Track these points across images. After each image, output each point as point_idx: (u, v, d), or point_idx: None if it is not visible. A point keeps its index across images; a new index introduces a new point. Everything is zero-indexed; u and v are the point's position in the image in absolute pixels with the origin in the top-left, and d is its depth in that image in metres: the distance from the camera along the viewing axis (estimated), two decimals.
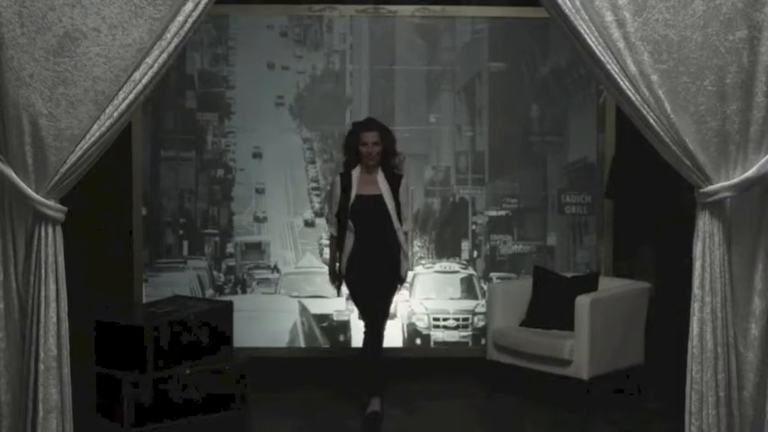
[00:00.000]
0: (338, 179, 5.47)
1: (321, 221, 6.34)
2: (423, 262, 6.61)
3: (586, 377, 5.43)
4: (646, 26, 3.67)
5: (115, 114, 3.63)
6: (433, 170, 6.50)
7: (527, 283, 6.13)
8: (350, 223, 5.38)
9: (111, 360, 5.02)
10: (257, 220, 6.48)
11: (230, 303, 5.63)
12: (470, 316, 6.56)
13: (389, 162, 5.45)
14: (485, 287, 6.47)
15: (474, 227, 6.54)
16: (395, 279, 5.46)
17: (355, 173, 5.42)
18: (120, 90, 3.62)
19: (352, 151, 5.44)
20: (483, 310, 6.43)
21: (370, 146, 5.35)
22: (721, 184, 3.72)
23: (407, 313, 6.54)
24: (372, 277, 5.40)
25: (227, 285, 6.46)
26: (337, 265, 5.55)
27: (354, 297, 5.56)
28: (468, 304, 6.55)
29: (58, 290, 3.68)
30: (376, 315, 5.44)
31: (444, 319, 6.60)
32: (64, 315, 3.71)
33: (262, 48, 6.42)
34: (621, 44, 3.66)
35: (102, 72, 3.60)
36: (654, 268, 6.29)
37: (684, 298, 3.92)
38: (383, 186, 5.39)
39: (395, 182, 5.44)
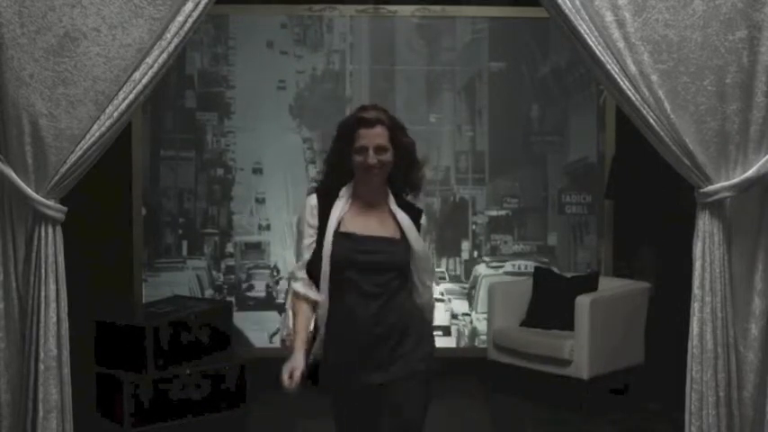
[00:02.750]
0: (314, 202, 3.18)
1: None
2: (487, 259, 6.41)
3: (586, 377, 5.43)
4: (646, 26, 3.66)
5: (115, 114, 3.62)
6: (434, 170, 6.50)
7: (527, 283, 6.13)
8: (331, 285, 3.12)
9: (111, 360, 5.03)
10: (261, 228, 6.48)
11: (230, 303, 5.63)
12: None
13: (405, 180, 3.22)
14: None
15: (474, 227, 6.54)
16: (422, 380, 3.20)
17: (343, 197, 3.19)
18: (120, 90, 3.62)
19: (339, 161, 3.19)
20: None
21: (370, 153, 3.09)
22: (721, 184, 3.71)
23: (468, 332, 6.39)
24: (374, 385, 3.15)
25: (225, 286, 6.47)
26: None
27: (338, 415, 3.38)
28: None
29: (58, 290, 3.67)
30: None
31: None
32: (64, 315, 3.70)
33: (261, 47, 6.42)
34: (621, 44, 3.66)
35: (102, 72, 3.60)
36: (654, 268, 6.30)
37: (684, 298, 3.91)
38: (405, 221, 3.17)
39: (415, 220, 3.20)
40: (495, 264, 6.43)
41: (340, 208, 3.16)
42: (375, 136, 3.10)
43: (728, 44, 3.67)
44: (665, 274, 6.13)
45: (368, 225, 3.16)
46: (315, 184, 3.26)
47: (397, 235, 3.16)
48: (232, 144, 6.47)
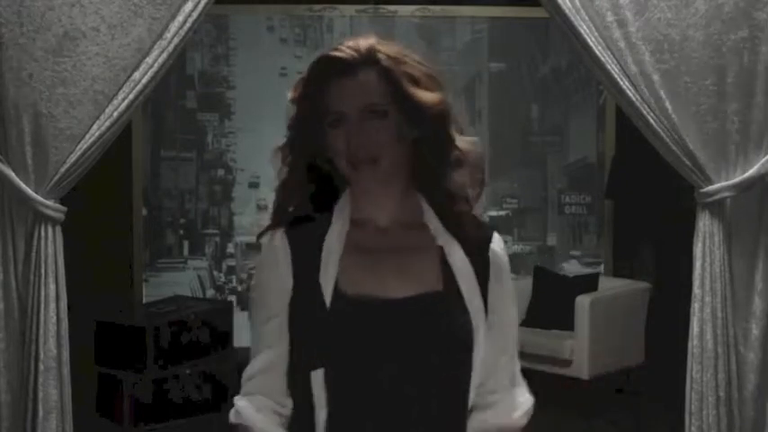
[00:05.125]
0: (280, 242, 1.65)
1: None
2: (576, 253, 6.39)
3: (586, 377, 5.42)
4: (647, 26, 3.66)
5: (115, 114, 3.62)
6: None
7: (527, 283, 6.13)
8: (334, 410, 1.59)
9: (111, 360, 5.02)
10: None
11: (231, 303, 5.62)
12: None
13: (432, 176, 1.66)
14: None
15: None
16: None
17: (337, 222, 1.65)
18: (119, 90, 3.61)
19: (306, 151, 1.66)
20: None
21: (352, 125, 1.60)
22: (721, 183, 3.71)
23: None
24: None
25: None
26: None
27: None
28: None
29: (58, 290, 3.67)
30: None
31: None
32: (64, 315, 3.70)
33: (262, 47, 6.42)
34: (622, 44, 3.65)
35: (101, 72, 3.59)
36: (654, 268, 6.30)
37: (684, 298, 3.91)
38: (456, 257, 1.66)
39: (479, 251, 1.70)
40: (589, 260, 6.35)
41: (334, 248, 1.64)
42: (360, 89, 1.62)
43: (730, 44, 3.66)
44: (665, 273, 6.12)
45: (385, 276, 1.65)
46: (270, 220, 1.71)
47: (440, 285, 1.66)
48: (233, 145, 6.47)
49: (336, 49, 1.63)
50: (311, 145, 1.64)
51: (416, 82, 1.62)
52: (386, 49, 1.63)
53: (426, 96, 1.61)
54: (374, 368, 1.58)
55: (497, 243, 1.74)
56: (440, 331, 1.62)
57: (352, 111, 1.60)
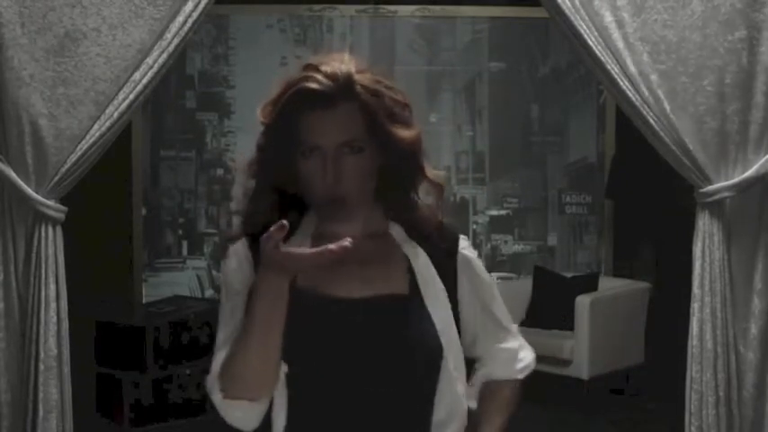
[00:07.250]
0: (242, 251, 1.70)
1: None
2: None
3: (586, 377, 5.43)
4: (644, 26, 3.66)
5: (115, 115, 3.62)
6: (434, 170, 6.49)
7: (527, 283, 6.13)
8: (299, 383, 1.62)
9: (111, 360, 5.03)
10: None
11: None
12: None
13: (396, 202, 1.73)
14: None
15: (474, 226, 6.54)
16: None
17: (299, 234, 1.68)
18: (120, 90, 3.61)
19: (274, 174, 1.71)
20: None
21: (328, 162, 1.59)
22: (721, 183, 3.71)
23: None
24: None
25: None
26: None
27: None
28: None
29: (58, 290, 3.67)
30: None
31: None
32: (64, 315, 3.69)
33: (262, 47, 6.42)
34: (621, 44, 3.66)
35: (102, 72, 3.59)
36: (654, 268, 6.30)
37: (684, 298, 3.91)
38: (420, 261, 1.71)
39: (446, 258, 1.75)
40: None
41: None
42: (338, 125, 1.60)
43: (728, 44, 3.66)
44: (665, 273, 6.13)
45: (351, 280, 1.65)
46: (235, 227, 1.76)
47: (406, 289, 1.67)
48: (232, 144, 6.47)
49: (313, 79, 1.59)
50: (281, 168, 1.66)
51: (392, 116, 1.63)
52: (363, 78, 1.64)
53: (403, 134, 1.63)
54: (330, 364, 1.60)
55: (465, 247, 1.80)
56: (403, 333, 1.63)
57: (329, 145, 1.60)
